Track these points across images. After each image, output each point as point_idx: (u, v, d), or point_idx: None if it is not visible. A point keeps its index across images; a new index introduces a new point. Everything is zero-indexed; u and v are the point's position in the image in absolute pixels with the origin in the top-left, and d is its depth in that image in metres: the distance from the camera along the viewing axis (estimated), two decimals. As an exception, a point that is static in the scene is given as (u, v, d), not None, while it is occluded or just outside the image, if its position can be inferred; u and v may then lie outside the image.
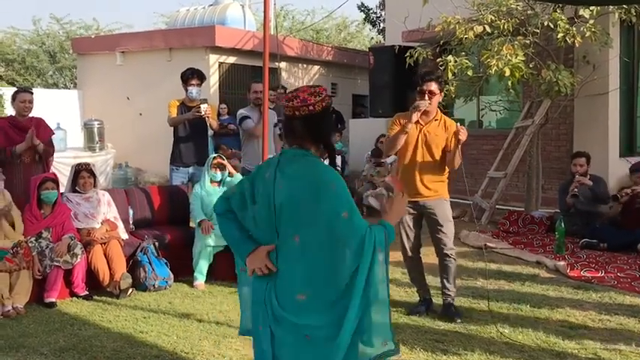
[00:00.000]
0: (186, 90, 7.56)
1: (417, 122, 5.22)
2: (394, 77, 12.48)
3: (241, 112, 7.73)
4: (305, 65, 16.09)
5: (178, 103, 7.59)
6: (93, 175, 6.58)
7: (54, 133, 7.28)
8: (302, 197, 2.69)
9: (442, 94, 5.38)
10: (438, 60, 8.51)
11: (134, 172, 13.94)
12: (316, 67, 16.39)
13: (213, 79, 13.58)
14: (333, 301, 2.71)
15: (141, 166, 13.98)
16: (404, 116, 5.22)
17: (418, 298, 5.61)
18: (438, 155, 5.28)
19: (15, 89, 7.39)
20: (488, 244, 7.88)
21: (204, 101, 7.43)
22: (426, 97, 5.15)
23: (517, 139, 9.48)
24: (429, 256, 5.77)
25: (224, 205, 2.97)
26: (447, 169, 5.39)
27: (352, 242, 2.66)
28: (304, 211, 2.68)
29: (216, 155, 6.91)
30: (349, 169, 13.01)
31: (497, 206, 9.31)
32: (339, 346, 2.70)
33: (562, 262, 6.96)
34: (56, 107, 13.63)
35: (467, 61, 8.34)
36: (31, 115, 6.83)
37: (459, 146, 5.13)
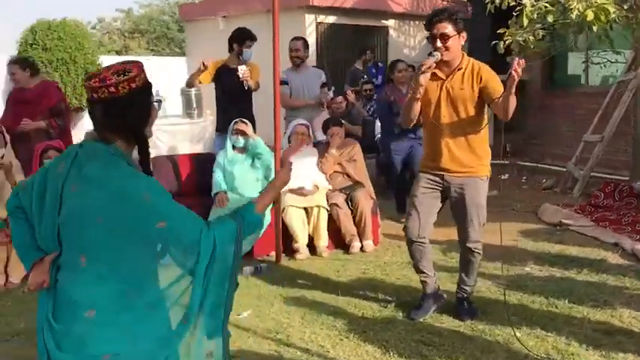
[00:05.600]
0: (242, 52, 6.89)
1: (436, 76, 4.16)
2: (490, 26, 11.20)
3: (281, 75, 7.10)
4: (417, 22, 14.95)
5: (219, 65, 6.92)
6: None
7: (63, 100, 7.03)
8: (98, 211, 2.11)
9: (462, 35, 4.10)
10: (513, 4, 7.24)
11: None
12: (429, 24, 15.21)
13: (310, 41, 12.90)
14: (142, 315, 2.17)
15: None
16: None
17: (422, 290, 4.50)
18: (468, 116, 4.15)
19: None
20: (564, 220, 6.66)
21: (243, 63, 6.82)
22: (438, 43, 4.05)
23: (618, 96, 7.99)
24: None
25: (14, 200, 2.39)
26: (486, 134, 4.31)
27: (175, 249, 2.22)
28: (99, 228, 2.12)
29: (237, 120, 6.33)
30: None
31: (593, 174, 7.93)
32: None
33: (644, 245, 5.66)
34: (163, 75, 13.68)
35: (547, 5, 6.99)
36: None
37: (513, 88, 3.76)
